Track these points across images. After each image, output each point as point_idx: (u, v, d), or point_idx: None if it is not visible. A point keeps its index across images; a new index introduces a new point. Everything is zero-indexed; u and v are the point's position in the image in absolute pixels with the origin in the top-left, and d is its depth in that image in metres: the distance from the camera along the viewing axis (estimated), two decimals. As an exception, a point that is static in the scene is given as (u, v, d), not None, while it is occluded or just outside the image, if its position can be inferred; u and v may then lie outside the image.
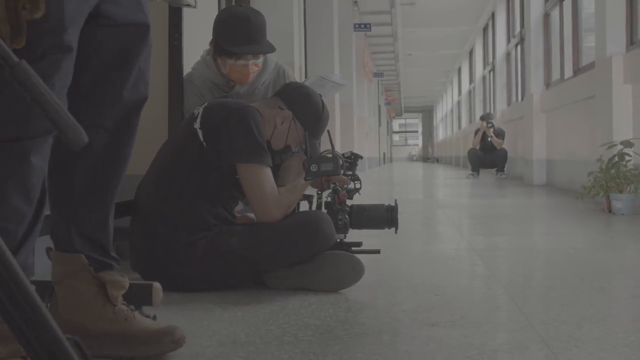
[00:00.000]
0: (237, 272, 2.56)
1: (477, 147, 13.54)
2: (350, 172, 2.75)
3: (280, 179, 2.92)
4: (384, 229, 2.77)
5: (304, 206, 2.82)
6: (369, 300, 2.50)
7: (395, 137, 56.07)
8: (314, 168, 2.58)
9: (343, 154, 2.75)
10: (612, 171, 5.51)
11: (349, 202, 2.74)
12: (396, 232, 2.78)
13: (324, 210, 2.72)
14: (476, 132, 13.80)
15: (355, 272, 2.57)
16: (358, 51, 17.16)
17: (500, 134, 13.39)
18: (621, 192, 5.47)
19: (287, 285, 2.57)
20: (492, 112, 15.47)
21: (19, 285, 0.85)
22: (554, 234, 4.55)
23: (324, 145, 2.82)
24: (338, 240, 2.66)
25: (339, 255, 2.57)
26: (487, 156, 13.44)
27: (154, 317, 1.87)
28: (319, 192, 2.77)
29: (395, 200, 2.77)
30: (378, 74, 25.67)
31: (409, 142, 59.58)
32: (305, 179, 2.61)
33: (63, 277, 1.77)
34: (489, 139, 13.31)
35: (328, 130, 2.81)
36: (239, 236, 2.54)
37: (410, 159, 50.68)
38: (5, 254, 0.84)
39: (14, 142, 1.47)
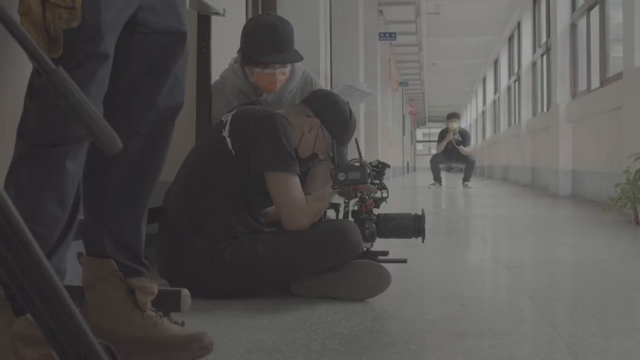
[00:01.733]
0: (264, 279, 2.57)
1: (441, 152, 13.27)
2: (377, 181, 2.74)
3: (307, 187, 2.92)
4: (410, 238, 2.76)
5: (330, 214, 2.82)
6: (396, 309, 2.49)
7: (419, 146, 55.92)
8: (341, 177, 2.58)
9: (370, 163, 2.74)
10: (640, 183, 5.46)
11: (375, 211, 2.74)
12: (423, 242, 2.77)
13: (350, 218, 2.72)
14: (441, 137, 13.45)
15: (382, 281, 2.57)
16: (383, 60, 17.15)
17: (465, 137, 13.17)
18: (648, 204, 5.42)
19: (313, 294, 2.57)
20: (458, 114, 14.88)
21: (53, 290, 0.86)
22: (580, 245, 4.51)
23: (351, 154, 2.82)
24: (365, 249, 2.66)
25: (366, 264, 2.57)
26: (452, 157, 13.27)
27: (182, 324, 1.87)
28: (346, 200, 2.77)
29: (422, 210, 2.76)
30: (403, 83, 25.63)
31: (433, 151, 59.46)
32: (333, 188, 2.60)
33: (93, 282, 1.78)
34: (455, 145, 13.07)
35: (355, 139, 2.81)
36: (266, 244, 2.55)
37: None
38: (40, 259, 0.85)
39: (50, 148, 1.49)
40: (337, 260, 2.55)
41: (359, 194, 2.68)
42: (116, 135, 0.93)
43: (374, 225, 2.68)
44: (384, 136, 17.23)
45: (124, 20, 1.61)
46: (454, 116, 13.58)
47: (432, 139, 60.17)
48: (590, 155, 8.99)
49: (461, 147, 13.10)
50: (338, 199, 2.78)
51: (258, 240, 2.57)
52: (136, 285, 1.78)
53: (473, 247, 4.64)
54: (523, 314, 2.41)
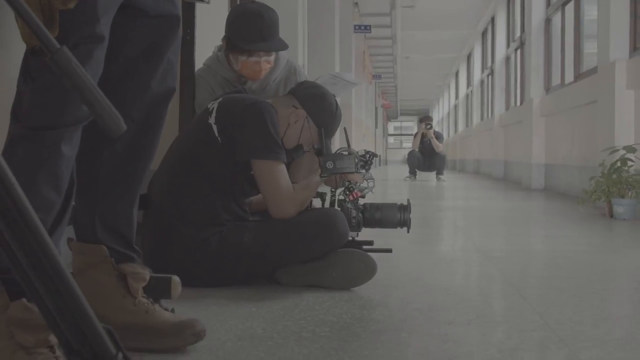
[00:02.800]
0: (250, 268, 2.56)
1: (417, 149, 13.81)
2: (363, 171, 2.74)
3: (290, 177, 2.91)
4: (396, 228, 2.77)
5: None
6: (382, 298, 2.50)
7: (391, 140, 56.13)
8: (329, 165, 2.58)
9: (357, 152, 2.75)
10: (614, 176, 5.53)
11: (361, 201, 2.74)
12: (408, 232, 2.78)
13: (337, 207, 2.72)
14: (415, 135, 14.16)
15: (368, 270, 2.57)
16: (358, 52, 17.16)
17: (439, 138, 13.75)
18: (623, 197, 5.49)
19: (299, 282, 2.57)
20: (429, 117, 15.51)
21: (56, 270, 0.84)
22: (557, 237, 4.55)
23: (339, 143, 2.81)
24: (350, 238, 2.66)
25: (352, 253, 2.57)
26: (426, 159, 13.73)
27: (172, 310, 1.86)
28: (332, 189, 2.77)
29: (408, 200, 2.77)
30: (376, 76, 25.67)
31: (404, 144, 59.67)
32: (321, 176, 2.60)
33: (83, 268, 1.77)
34: (428, 141, 13.59)
35: (344, 128, 2.81)
36: (253, 232, 2.54)
37: (405, 161, 50.58)
38: (43, 238, 0.83)
39: (46, 131, 1.47)
40: (323, 249, 2.55)
41: (346, 183, 2.68)
42: (120, 116, 0.92)
43: (360, 214, 2.68)
44: (357, 129, 17.25)
45: (119, 2, 1.59)
46: (427, 119, 14.27)
47: (403, 132, 60.51)
48: (563, 149, 9.08)
49: (432, 132, 13.61)
50: (324, 188, 2.77)
51: (245, 229, 2.56)
52: (128, 271, 1.77)
53: (452, 238, 4.67)
54: (508, 303, 2.44)
